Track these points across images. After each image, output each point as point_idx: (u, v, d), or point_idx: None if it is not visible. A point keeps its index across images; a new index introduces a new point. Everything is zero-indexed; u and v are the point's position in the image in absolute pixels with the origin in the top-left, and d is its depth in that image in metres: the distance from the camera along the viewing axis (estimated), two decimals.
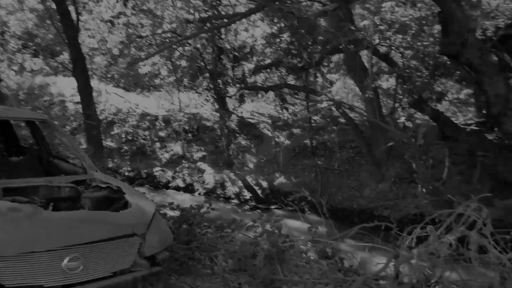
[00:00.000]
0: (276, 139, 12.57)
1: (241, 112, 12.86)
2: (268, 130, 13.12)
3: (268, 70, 11.49)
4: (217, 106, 13.01)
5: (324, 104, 10.18)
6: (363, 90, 9.49)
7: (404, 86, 8.76)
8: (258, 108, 14.44)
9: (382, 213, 9.43)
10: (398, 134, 7.82)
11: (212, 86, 11.79)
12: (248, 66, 12.27)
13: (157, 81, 16.19)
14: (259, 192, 11.14)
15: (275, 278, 4.05)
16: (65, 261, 2.66)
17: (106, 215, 3.05)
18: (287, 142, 12.36)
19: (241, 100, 12.06)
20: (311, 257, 4.89)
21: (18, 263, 2.53)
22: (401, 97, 9.93)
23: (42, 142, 5.02)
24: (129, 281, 2.89)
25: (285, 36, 10.23)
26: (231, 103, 13.11)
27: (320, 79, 11.90)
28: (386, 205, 9.57)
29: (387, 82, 10.58)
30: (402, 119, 9.89)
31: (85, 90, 12.40)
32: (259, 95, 13.09)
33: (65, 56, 15.33)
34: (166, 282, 3.76)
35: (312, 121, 11.76)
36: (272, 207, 10.76)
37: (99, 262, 2.81)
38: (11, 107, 5.81)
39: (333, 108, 11.89)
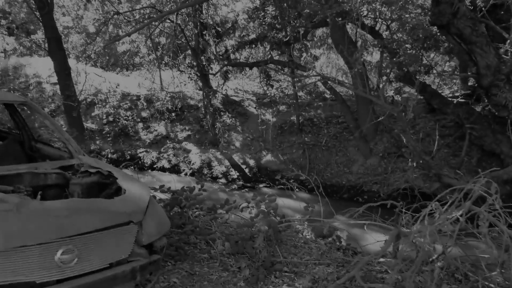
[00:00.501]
0: (262, 116, 12.38)
1: (226, 90, 12.59)
2: (253, 107, 12.91)
3: (252, 46, 11.20)
4: (200, 84, 12.72)
5: (312, 80, 9.98)
6: (351, 64, 9.32)
7: (393, 59, 8.60)
8: (242, 85, 14.18)
9: (371, 189, 9.40)
10: (388, 108, 7.71)
11: (195, 64, 11.46)
12: (231, 42, 11.96)
13: (136, 59, 15.76)
14: (246, 171, 10.99)
15: (275, 260, 3.93)
16: (58, 254, 2.47)
17: (99, 203, 2.85)
18: (273, 119, 12.18)
19: (225, 77, 11.79)
20: (307, 237, 4.78)
21: (7, 258, 2.33)
22: (388, 70, 9.80)
23: (23, 126, 4.75)
24: (127, 271, 2.72)
25: (269, 9, 9.94)
26: (214, 81, 12.83)
27: (304, 54, 11.67)
28: (375, 180, 9.53)
29: (374, 56, 10.43)
30: (390, 93, 9.78)
31: (62, 71, 11.95)
32: (243, 72, 12.81)
33: (39, 36, 14.74)
34: (162, 269, 3.60)
35: (298, 97, 11.57)
36: (261, 185, 10.64)
37: (94, 253, 2.63)
38: None
39: (319, 84, 11.74)
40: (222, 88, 12.25)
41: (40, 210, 2.59)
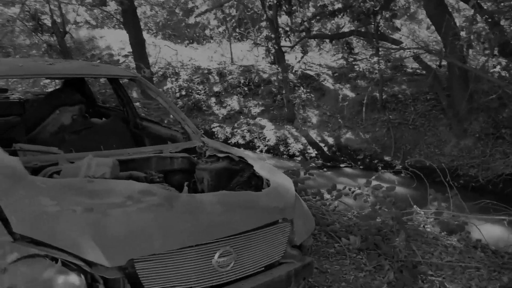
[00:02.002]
0: (340, 92, 11.75)
1: (305, 64, 12.01)
2: (330, 82, 12.28)
3: (334, 16, 10.51)
4: (273, 58, 12.22)
5: (406, 53, 9.22)
6: (445, 36, 8.48)
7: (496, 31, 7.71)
8: (318, 60, 13.52)
9: (468, 172, 8.65)
10: (503, 84, 6.89)
11: (272, 36, 10.94)
12: (310, 12, 11.32)
13: (207, 32, 15.43)
14: (325, 149, 10.49)
15: (413, 260, 3.46)
16: (216, 257, 2.11)
17: (251, 197, 2.47)
18: (351, 94, 11.53)
19: (304, 50, 11.19)
20: (435, 232, 4.26)
21: (163, 262, 2.00)
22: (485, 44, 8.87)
23: (128, 103, 4.47)
24: (283, 276, 2.34)
25: None
26: (292, 54, 12.28)
27: (389, 25, 10.84)
28: (471, 163, 8.76)
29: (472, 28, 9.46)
30: (497, 68, 8.87)
31: (137, 43, 11.79)
32: (322, 45, 12.15)
33: (111, 7, 14.66)
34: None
35: (379, 71, 10.82)
36: (341, 165, 10.13)
37: (250, 255, 2.26)
38: (97, 63, 5.24)
39: (405, 57, 10.92)
40: (300, 62, 11.67)
41: (193, 205, 2.24)
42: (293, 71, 11.71)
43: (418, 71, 11.50)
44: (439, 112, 10.00)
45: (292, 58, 12.66)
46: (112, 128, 4.27)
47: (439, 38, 10.29)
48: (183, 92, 13.19)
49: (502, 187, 8.04)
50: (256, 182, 2.94)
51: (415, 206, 4.70)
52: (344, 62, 12.77)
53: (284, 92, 11.38)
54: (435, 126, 9.85)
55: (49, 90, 5.77)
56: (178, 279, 2.02)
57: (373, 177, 5.34)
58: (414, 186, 5.89)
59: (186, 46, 16.69)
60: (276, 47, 10.78)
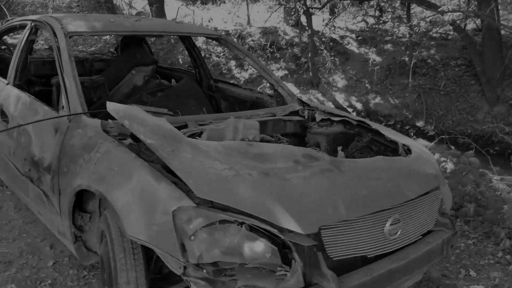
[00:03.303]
0: (365, 56, 11.54)
1: (333, 27, 11.71)
2: (354, 46, 12.04)
3: None
4: (297, 20, 11.91)
5: (447, 16, 9.00)
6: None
7: None
8: (339, 22, 13.20)
9: (503, 139, 8.61)
10: None
11: None
12: None
13: None
14: (353, 114, 10.37)
15: None
16: (387, 225, 2.02)
17: (407, 162, 2.37)
18: (377, 59, 11.33)
19: (332, 12, 10.90)
20: None
21: (346, 229, 1.91)
22: None
23: (201, 64, 4.30)
24: (439, 244, 2.27)
25: None
26: (314, 17, 11.94)
27: None
28: (505, 130, 8.71)
29: None
30: None
31: (157, 2, 11.46)
32: (348, 8, 11.84)
33: None
34: None
35: (408, 35, 10.60)
36: None
37: (413, 223, 2.18)
38: (180, 21, 4.99)
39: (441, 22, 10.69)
40: (329, 25, 11.37)
41: (360, 171, 2.14)
42: (322, 34, 11.42)
43: (444, 35, 11.31)
44: (470, 78, 9.88)
45: (314, 20, 12.35)
46: (187, 90, 4.11)
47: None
48: (202, 54, 12.88)
49: None
50: (378, 148, 2.84)
51: (489, 173, 4.64)
52: (365, 25, 12.53)
53: (310, 55, 11.15)
54: (467, 92, 9.76)
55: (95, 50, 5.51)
56: (356, 246, 1.94)
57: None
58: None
59: (198, 7, 16.22)
60: (304, 8, 10.47)
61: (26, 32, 3.38)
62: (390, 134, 2.77)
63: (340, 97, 10.79)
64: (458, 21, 8.97)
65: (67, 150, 2.42)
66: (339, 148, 2.58)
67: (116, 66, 4.20)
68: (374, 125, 2.86)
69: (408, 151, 2.55)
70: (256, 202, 1.81)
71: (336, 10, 11.05)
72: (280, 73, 11.95)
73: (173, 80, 4.47)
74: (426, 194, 2.24)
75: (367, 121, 2.91)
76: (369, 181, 2.07)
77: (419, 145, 2.69)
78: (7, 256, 3.05)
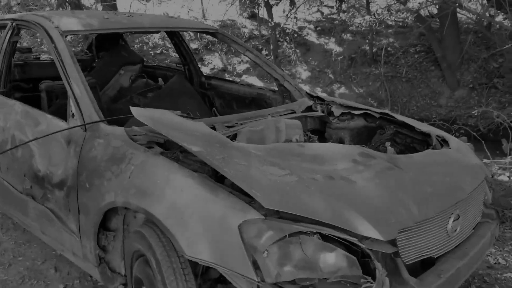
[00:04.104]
0: (325, 46, 11.60)
1: (295, 18, 11.64)
2: (314, 37, 12.06)
3: None
4: (256, 12, 11.78)
5: (411, 4, 9.14)
6: None
7: None
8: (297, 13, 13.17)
9: (468, 122, 8.91)
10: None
11: None
12: None
13: None
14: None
15: None
16: (450, 222, 1.95)
17: (456, 155, 2.31)
18: (338, 49, 11.41)
19: (292, 2, 10.83)
20: None
21: (418, 231, 1.82)
22: None
23: (191, 60, 4.09)
24: (489, 236, 2.23)
25: None
26: (277, 8, 11.86)
27: None
28: (469, 113, 9.03)
29: None
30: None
31: None
32: None
33: None
34: None
35: (369, 23, 10.73)
36: None
37: (468, 218, 2.13)
38: (173, 16, 4.68)
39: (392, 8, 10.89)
40: (290, 16, 11.29)
41: (418, 167, 2.05)
42: (284, 25, 11.34)
43: (400, 23, 11.56)
44: (430, 64, 10.15)
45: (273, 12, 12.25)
46: (179, 89, 3.89)
47: None
48: (158, 51, 12.47)
49: (502, 135, 8.39)
50: (403, 140, 2.77)
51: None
52: (321, 15, 12.59)
53: (272, 48, 11.06)
54: (428, 78, 10.02)
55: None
56: (425, 248, 1.86)
57: None
58: None
59: (148, 1, 15.68)
60: (265, 0, 10.34)
61: (7, 33, 3.04)
62: (419, 125, 2.70)
63: (305, 89, 10.76)
64: (420, 10, 9.15)
65: (88, 163, 2.17)
66: (388, 143, 2.48)
67: (103, 66, 3.90)
68: (399, 117, 2.78)
69: (443, 142, 2.49)
70: (328, 209, 1.67)
71: (296, 1, 10.98)
72: (242, 67, 11.79)
73: (160, 79, 4.22)
74: (477, 187, 2.19)
75: (391, 113, 2.83)
76: (430, 177, 1.99)
77: (447, 135, 2.64)
78: (7, 284, 2.73)
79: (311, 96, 3.24)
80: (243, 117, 2.56)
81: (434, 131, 2.62)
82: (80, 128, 2.29)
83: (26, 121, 2.60)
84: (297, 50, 11.78)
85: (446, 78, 9.72)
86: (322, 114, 2.87)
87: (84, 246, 2.28)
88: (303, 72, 11.25)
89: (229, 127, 2.41)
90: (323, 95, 3.19)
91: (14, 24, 3.03)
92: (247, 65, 11.80)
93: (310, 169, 1.83)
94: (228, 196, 1.71)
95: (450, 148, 2.38)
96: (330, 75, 10.93)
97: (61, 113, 3.30)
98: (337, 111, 2.92)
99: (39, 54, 4.50)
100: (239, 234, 1.61)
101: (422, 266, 1.89)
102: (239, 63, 11.88)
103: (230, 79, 4.17)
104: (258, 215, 1.64)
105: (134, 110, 2.15)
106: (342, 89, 10.54)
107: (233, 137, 2.27)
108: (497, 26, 8.89)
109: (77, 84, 2.38)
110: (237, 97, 3.81)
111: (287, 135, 2.21)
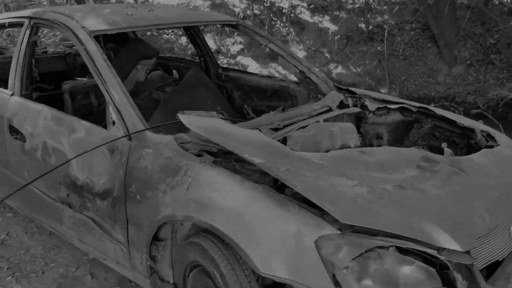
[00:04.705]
0: (320, 25, 11.46)
1: None
2: (307, 15, 11.90)
3: None
4: None
5: None
6: None
7: None
8: None
9: (466, 99, 8.96)
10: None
11: None
12: None
13: None
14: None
15: None
16: None
17: (507, 152, 2.29)
18: (333, 27, 11.29)
19: None
20: None
21: (486, 240, 1.81)
22: None
23: (207, 52, 3.99)
24: None
25: None
26: None
27: None
28: (467, 90, 9.07)
29: None
30: None
31: None
32: None
33: None
34: None
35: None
36: None
37: None
38: (193, 8, 4.51)
39: None
40: None
41: (480, 169, 2.02)
42: (278, 4, 11.15)
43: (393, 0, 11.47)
44: (427, 41, 10.11)
45: None
46: (197, 82, 3.80)
47: None
48: (148, 33, 12.19)
49: (501, 111, 8.47)
50: (442, 134, 2.74)
51: None
52: None
53: (266, 28, 10.89)
54: (425, 55, 9.99)
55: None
56: (492, 252, 1.84)
57: None
58: None
59: None
60: None
61: (24, 32, 2.90)
62: (461, 119, 2.67)
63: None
64: None
65: (137, 174, 2.10)
66: (444, 144, 2.43)
67: (119, 62, 3.76)
68: (438, 111, 2.75)
69: (488, 137, 2.47)
70: (404, 221, 1.64)
71: None
72: (236, 48, 11.60)
73: (174, 72, 4.11)
74: None
75: (429, 107, 2.79)
76: (493, 180, 1.97)
77: (492, 130, 2.61)
78: None
79: (339, 89, 3.18)
80: (284, 118, 2.50)
81: (478, 126, 2.59)
82: (126, 137, 2.21)
83: (59, 128, 2.50)
84: (292, 29, 11.63)
85: (444, 55, 9.71)
86: (359, 110, 2.81)
87: (133, 257, 2.23)
88: (299, 52, 11.12)
89: (273, 129, 2.35)
90: (353, 88, 3.12)
91: (32, 22, 2.90)
92: (241, 46, 11.63)
93: (379, 178, 1.79)
94: (300, 210, 1.67)
95: (499, 144, 2.36)
96: (327, 55, 10.83)
97: (83, 113, 3.21)
98: (372, 106, 2.86)
99: (45, 47, 4.33)
100: (316, 250, 1.58)
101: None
102: (233, 44, 11.70)
103: (249, 71, 4.06)
104: (334, 230, 1.60)
105: (184, 118, 2.08)
106: (339, 69, 10.47)
107: (282, 142, 2.21)
108: (496, 2, 8.85)
109: (115, 90, 2.29)
110: (257, 89, 3.73)
111: (342, 140, 2.16)
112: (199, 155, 2.03)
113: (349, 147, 2.12)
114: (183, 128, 2.30)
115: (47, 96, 3.27)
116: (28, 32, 2.87)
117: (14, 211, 3.55)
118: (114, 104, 2.26)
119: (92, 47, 2.46)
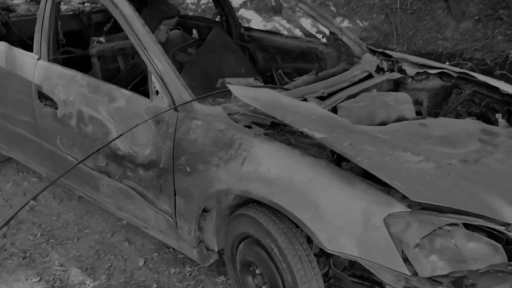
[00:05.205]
0: None
1: None
2: None
3: None
4: None
5: None
6: None
7: None
8: None
9: (474, 56, 8.84)
10: None
11: None
12: None
13: None
14: (323, 40, 10.13)
15: None
16: None
17: None
18: None
19: None
20: None
21: None
22: None
23: (229, 11, 3.86)
24: None
25: None
26: None
27: None
28: (475, 46, 8.94)
29: None
30: None
31: None
32: None
33: None
34: None
35: None
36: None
37: None
38: None
39: None
40: None
41: None
42: None
43: None
44: None
45: None
46: (220, 42, 3.68)
47: None
48: None
49: (509, 68, 8.41)
50: (482, 100, 2.69)
51: None
52: None
53: None
54: (433, 10, 9.77)
55: None
56: None
57: None
58: None
59: None
60: None
61: None
62: (504, 86, 2.62)
63: (306, 23, 10.42)
64: None
65: (186, 146, 2.05)
66: (499, 115, 2.39)
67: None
68: (480, 77, 2.69)
69: None
70: (473, 197, 1.63)
71: None
72: (238, 0, 11.26)
73: (194, 31, 3.98)
74: None
75: (471, 72, 2.72)
76: None
77: None
78: (83, 261, 2.69)
79: (371, 51, 3.10)
80: (328, 85, 2.43)
81: None
82: (169, 106, 2.14)
83: (96, 96, 2.42)
84: None
85: (452, 10, 9.51)
86: (400, 75, 2.74)
87: (180, 227, 2.22)
88: (303, 5, 10.83)
89: (318, 98, 2.29)
90: (389, 51, 3.04)
91: None
92: None
93: (444, 153, 1.76)
94: (368, 187, 1.65)
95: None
96: (332, 8, 10.55)
97: (107, 77, 3.11)
98: (410, 70, 2.79)
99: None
100: (385, 228, 1.57)
101: None
102: None
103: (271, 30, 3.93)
104: (403, 208, 1.59)
105: (235, 89, 2.02)
106: (346, 23, 10.22)
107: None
108: None
109: (158, 59, 2.20)
110: (282, 50, 3.63)
111: (398, 111, 2.10)
112: (248, 126, 1.98)
113: (406, 118, 2.08)
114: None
115: (70, 58, 3.16)
116: None
117: (38, 175, 3.52)
118: (158, 73, 2.18)
119: (129, 11, 2.35)
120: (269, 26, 10.58)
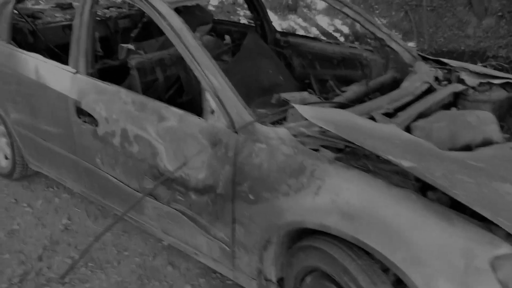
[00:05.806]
0: None
1: None
2: None
3: None
4: None
5: None
6: None
7: None
8: None
9: (498, 54, 8.61)
10: None
11: None
12: None
13: None
14: (341, 39, 9.92)
15: None
16: None
17: None
18: None
19: None
20: None
21: None
22: None
23: (264, 15, 3.68)
24: None
25: None
26: None
27: None
28: (499, 43, 8.71)
29: None
30: None
31: None
32: None
33: None
34: None
35: None
36: None
37: None
38: None
39: None
40: None
41: None
42: None
43: None
44: None
45: None
46: (256, 49, 3.52)
47: None
48: None
49: None
50: None
51: None
52: None
53: None
54: (453, 6, 9.54)
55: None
56: None
57: None
58: None
59: None
60: None
61: (84, 2, 2.58)
62: None
63: (323, 21, 10.22)
64: None
65: (249, 172, 1.88)
66: None
67: None
68: None
69: None
70: None
71: None
72: None
73: (227, 37, 3.80)
74: None
75: None
76: None
77: None
78: (126, 287, 2.53)
79: (424, 58, 2.91)
80: (391, 99, 2.25)
81: None
82: (227, 127, 1.97)
83: (145, 114, 2.25)
84: None
85: (473, 6, 9.27)
86: (463, 87, 2.55)
87: (239, 257, 2.06)
88: (319, 3, 10.63)
89: (385, 114, 2.11)
90: (446, 59, 2.85)
91: None
92: None
93: None
94: (467, 224, 1.47)
95: None
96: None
97: (144, 89, 2.94)
98: (471, 81, 2.60)
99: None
100: (492, 272, 1.40)
101: None
102: None
103: (311, 35, 3.75)
104: (510, 249, 1.42)
105: (304, 110, 1.85)
106: None
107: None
108: None
109: (214, 75, 2.03)
110: (321, 56, 3.45)
111: (483, 133, 1.92)
112: (315, 150, 1.81)
113: (492, 141, 1.90)
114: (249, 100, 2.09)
115: (103, 69, 2.99)
116: (89, 2, 2.56)
117: (69, 191, 3.36)
118: (213, 90, 2.01)
119: (178, 23, 2.19)
120: (284, 25, 10.39)
